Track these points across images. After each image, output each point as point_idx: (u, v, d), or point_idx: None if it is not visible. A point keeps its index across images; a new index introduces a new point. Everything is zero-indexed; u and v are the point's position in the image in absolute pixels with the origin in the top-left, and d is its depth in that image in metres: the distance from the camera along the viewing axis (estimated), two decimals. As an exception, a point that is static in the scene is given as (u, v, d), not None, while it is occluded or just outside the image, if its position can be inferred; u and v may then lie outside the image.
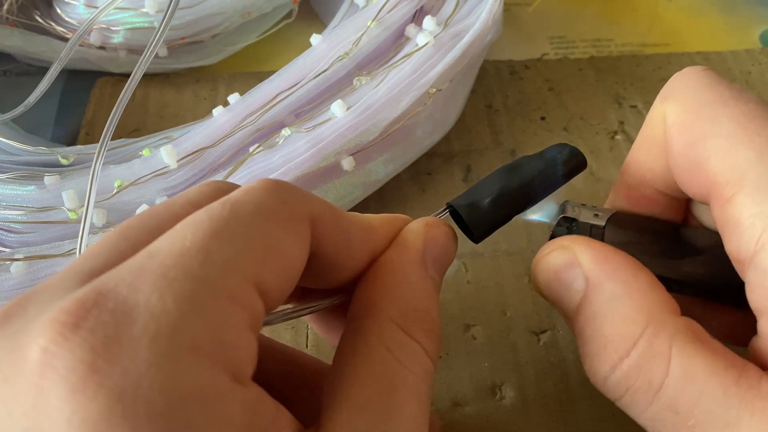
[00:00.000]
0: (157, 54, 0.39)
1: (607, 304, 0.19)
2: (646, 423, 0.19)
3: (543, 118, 0.38)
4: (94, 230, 0.28)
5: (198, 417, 0.13)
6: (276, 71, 0.34)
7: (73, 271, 0.15)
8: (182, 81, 0.40)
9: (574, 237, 0.21)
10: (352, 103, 0.31)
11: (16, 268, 0.28)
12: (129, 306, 0.14)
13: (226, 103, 0.33)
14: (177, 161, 0.30)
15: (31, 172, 0.32)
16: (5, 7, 0.39)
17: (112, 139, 0.34)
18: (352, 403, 0.17)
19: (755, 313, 0.18)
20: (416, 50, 0.32)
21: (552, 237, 0.23)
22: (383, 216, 0.21)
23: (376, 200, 0.34)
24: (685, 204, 0.24)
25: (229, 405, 0.14)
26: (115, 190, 0.30)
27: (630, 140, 0.37)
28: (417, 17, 0.35)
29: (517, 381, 0.28)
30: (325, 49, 0.33)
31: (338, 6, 0.39)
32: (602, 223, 0.23)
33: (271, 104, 0.32)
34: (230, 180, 0.29)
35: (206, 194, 0.18)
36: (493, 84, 0.40)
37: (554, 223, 0.23)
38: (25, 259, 0.28)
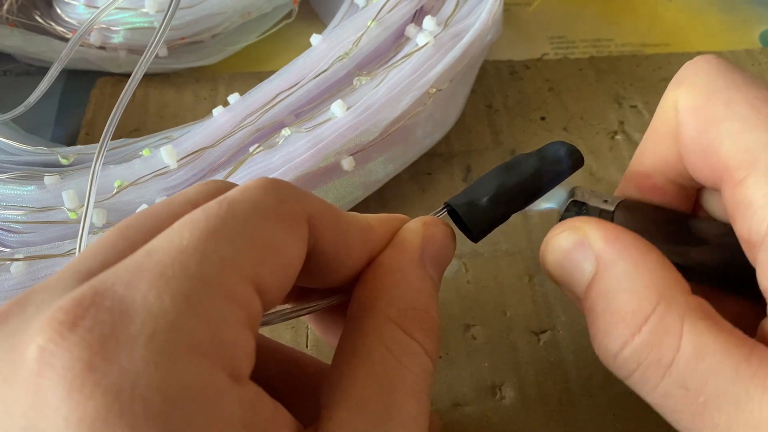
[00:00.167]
0: (157, 54, 0.39)
1: (618, 281, 0.19)
2: (656, 401, 0.18)
3: (543, 118, 0.38)
4: (94, 230, 0.28)
5: (195, 415, 0.13)
6: (276, 71, 0.34)
7: (71, 271, 0.16)
8: (182, 81, 0.40)
9: (584, 217, 0.21)
10: (352, 103, 0.31)
11: (16, 268, 0.28)
12: (126, 304, 0.14)
13: (226, 103, 0.33)
14: (177, 161, 0.30)
15: (31, 172, 0.32)
16: (5, 7, 0.39)
17: (112, 139, 0.34)
18: (351, 402, 0.17)
19: (765, 294, 0.18)
20: (416, 50, 0.32)
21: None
22: (381, 216, 0.21)
23: (376, 200, 0.34)
24: (694, 195, 0.24)
25: (226, 403, 0.14)
26: (115, 190, 0.30)
27: (630, 140, 0.37)
28: (417, 17, 0.35)
29: (517, 381, 0.28)
30: (325, 49, 0.33)
31: (338, 6, 0.39)
32: (611, 208, 0.23)
33: (271, 104, 0.32)
34: (230, 180, 0.29)
35: (204, 193, 0.18)
36: (493, 84, 0.40)
37: (563, 208, 0.23)
38: (25, 259, 0.28)
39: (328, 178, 0.31)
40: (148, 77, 0.40)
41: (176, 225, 0.16)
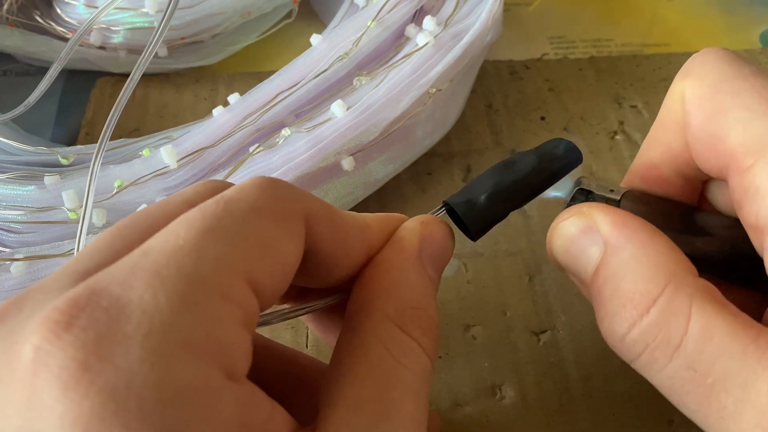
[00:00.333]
0: (157, 54, 0.39)
1: (626, 264, 0.19)
2: (662, 383, 0.18)
3: (543, 118, 0.38)
4: (93, 230, 0.28)
5: (191, 414, 0.13)
6: (276, 71, 0.34)
7: (68, 271, 0.16)
8: (182, 81, 0.40)
9: (591, 203, 0.21)
10: (352, 103, 0.31)
11: (16, 268, 0.28)
12: (122, 304, 0.14)
13: (226, 103, 0.33)
14: (177, 161, 0.30)
15: (31, 172, 0.32)
16: (5, 7, 0.39)
17: (113, 139, 0.34)
18: (349, 401, 0.17)
19: None
20: (416, 50, 0.32)
21: None
22: (379, 215, 0.21)
23: (376, 200, 0.34)
24: (699, 188, 0.24)
25: (222, 402, 0.14)
26: (115, 190, 0.30)
27: (630, 140, 0.37)
28: (417, 17, 0.35)
29: (517, 381, 0.28)
30: (325, 49, 0.33)
31: (338, 6, 0.39)
32: (617, 197, 0.23)
33: (271, 104, 0.32)
34: (230, 180, 0.29)
35: (201, 193, 0.18)
36: (493, 84, 0.40)
37: (569, 197, 0.23)
38: (25, 259, 0.28)
39: (328, 178, 0.31)
40: (148, 77, 0.40)
41: (172, 224, 0.16)
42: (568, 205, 0.23)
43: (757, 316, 0.19)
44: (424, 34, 0.33)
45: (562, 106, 0.38)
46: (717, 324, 0.17)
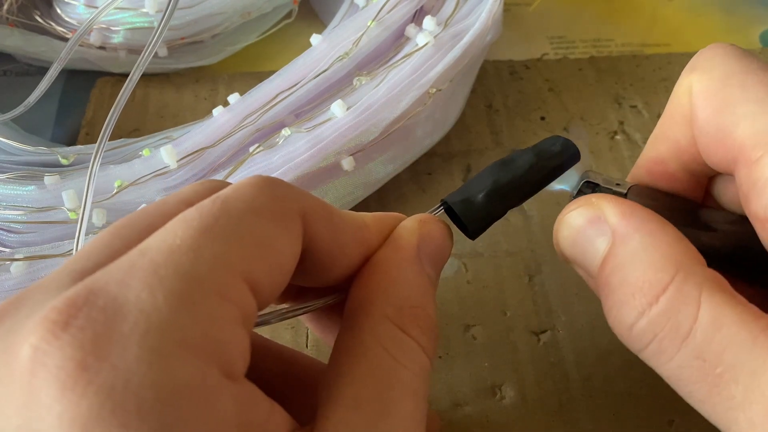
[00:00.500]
0: (157, 54, 0.39)
1: (634, 254, 0.19)
2: (671, 373, 0.18)
3: (543, 118, 0.38)
4: (93, 230, 0.28)
5: (189, 413, 0.13)
6: (276, 71, 0.34)
7: (67, 271, 0.16)
8: (182, 81, 0.40)
9: (599, 194, 0.21)
10: (352, 103, 0.31)
11: (16, 268, 0.28)
12: (119, 303, 0.14)
13: (226, 103, 0.33)
14: (177, 161, 0.30)
15: (31, 172, 0.32)
16: (5, 7, 0.39)
17: (112, 139, 0.34)
18: (347, 401, 0.17)
19: None
20: (416, 50, 0.32)
21: None
22: (377, 214, 0.21)
23: (376, 200, 0.34)
24: (705, 184, 0.24)
25: (220, 401, 0.14)
26: (115, 190, 0.30)
27: (630, 140, 0.37)
28: (417, 17, 0.35)
29: (517, 381, 0.28)
30: (325, 49, 0.33)
31: (338, 6, 0.39)
32: (624, 191, 0.23)
33: (271, 104, 0.32)
34: (230, 180, 0.29)
35: (199, 193, 0.18)
36: (493, 84, 0.40)
37: (575, 191, 0.23)
38: (25, 259, 0.28)
39: (328, 178, 0.31)
40: (148, 77, 0.40)
41: (170, 224, 0.16)
42: (574, 198, 0.23)
43: (764, 310, 0.19)
44: (424, 34, 0.33)
45: (562, 106, 0.38)
46: (726, 313, 0.17)
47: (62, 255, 0.28)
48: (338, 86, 0.33)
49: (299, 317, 0.21)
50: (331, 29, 0.38)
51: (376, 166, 0.32)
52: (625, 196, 0.23)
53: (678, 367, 0.18)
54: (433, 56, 0.32)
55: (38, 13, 0.40)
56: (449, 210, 0.22)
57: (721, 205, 0.24)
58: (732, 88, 0.20)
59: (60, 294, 0.14)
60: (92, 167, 0.25)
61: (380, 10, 0.34)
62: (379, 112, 0.31)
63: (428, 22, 0.33)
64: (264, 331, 0.28)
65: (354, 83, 0.33)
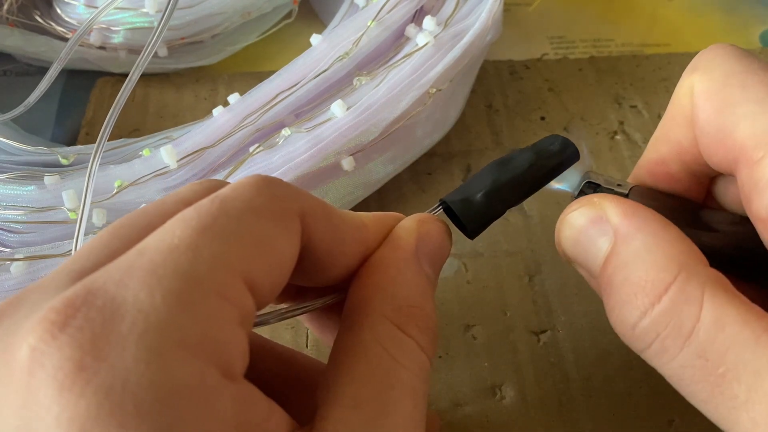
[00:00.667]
0: (157, 54, 0.39)
1: (637, 253, 0.19)
2: (673, 373, 0.18)
3: (543, 118, 0.38)
4: (93, 230, 0.28)
5: (187, 412, 0.13)
6: (276, 71, 0.34)
7: (65, 271, 0.16)
8: (182, 81, 0.40)
9: (601, 194, 0.21)
10: (352, 103, 0.31)
11: (16, 268, 0.28)
12: (117, 303, 0.14)
13: (226, 103, 0.33)
14: (177, 161, 0.30)
15: (31, 172, 0.32)
16: (5, 7, 0.39)
17: (113, 139, 0.34)
18: (346, 401, 0.17)
19: None
20: (416, 50, 0.32)
21: None
22: (376, 214, 0.21)
23: (376, 200, 0.34)
24: (707, 185, 0.24)
25: (219, 401, 0.14)
26: (115, 190, 0.30)
27: (630, 140, 0.37)
28: (417, 17, 0.35)
29: (517, 381, 0.28)
30: (325, 49, 0.33)
31: (338, 6, 0.39)
32: (625, 192, 0.23)
33: (271, 104, 0.32)
34: (230, 180, 0.29)
35: (198, 192, 0.18)
36: (493, 84, 0.40)
37: (577, 191, 0.23)
38: (25, 259, 0.28)
39: (328, 178, 0.31)
40: (148, 77, 0.40)
41: (168, 224, 0.16)
42: (576, 199, 0.23)
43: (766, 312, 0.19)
44: (424, 34, 0.33)
45: (562, 106, 0.38)
46: (729, 313, 0.17)
47: (62, 255, 0.28)
48: (338, 86, 0.33)
49: (299, 317, 0.21)
50: (331, 29, 0.38)
51: (376, 166, 0.32)
52: (626, 196, 0.23)
53: (680, 367, 0.18)
54: (433, 56, 0.32)
55: (38, 13, 0.40)
56: (448, 209, 0.22)
57: (723, 206, 0.24)
58: (732, 89, 0.20)
59: (58, 294, 0.14)
60: (91, 167, 0.25)
61: (380, 10, 0.34)
62: (379, 112, 0.31)
63: (428, 22, 0.33)
64: (264, 331, 0.28)
65: (354, 83, 0.33)
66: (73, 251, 0.25)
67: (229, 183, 0.18)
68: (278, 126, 0.32)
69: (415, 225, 0.21)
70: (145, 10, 0.37)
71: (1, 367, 0.14)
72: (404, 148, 0.33)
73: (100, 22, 0.38)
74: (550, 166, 0.22)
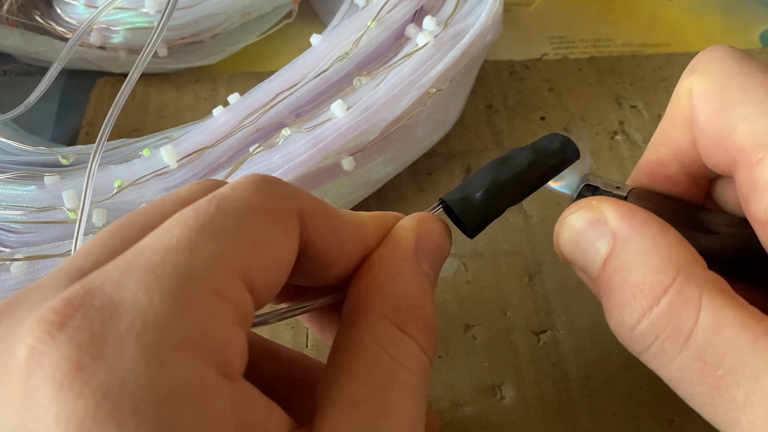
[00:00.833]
0: (156, 54, 0.39)
1: (635, 256, 0.19)
2: (672, 375, 0.18)
3: (543, 118, 0.38)
4: (93, 230, 0.28)
5: (185, 412, 0.13)
6: (276, 71, 0.34)
7: (64, 271, 0.16)
8: (182, 81, 0.40)
9: (599, 197, 0.21)
10: (352, 103, 0.31)
11: (16, 268, 0.28)
12: (116, 303, 0.14)
13: (226, 103, 0.33)
14: (177, 161, 0.30)
15: (31, 172, 0.32)
16: (5, 7, 0.39)
17: (113, 139, 0.34)
18: (345, 401, 0.17)
19: None
20: (416, 50, 0.32)
21: None
22: (375, 213, 0.21)
23: (376, 200, 0.34)
24: (706, 187, 0.24)
25: (217, 401, 0.14)
26: (115, 190, 0.30)
27: (630, 140, 0.37)
28: (417, 17, 0.35)
29: (517, 381, 0.28)
30: (325, 49, 0.33)
31: (338, 6, 0.39)
32: (624, 194, 0.23)
33: (271, 104, 0.32)
34: (230, 180, 0.29)
35: (196, 192, 0.18)
36: (493, 84, 0.40)
37: (575, 193, 0.23)
38: (25, 259, 0.28)
39: (328, 178, 0.31)
40: (148, 77, 0.40)
41: (166, 223, 0.16)
42: (574, 201, 0.23)
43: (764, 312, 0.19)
44: (424, 34, 0.33)
45: (562, 106, 0.38)
46: (728, 315, 0.17)
47: (62, 255, 0.28)
48: (338, 86, 0.33)
49: (298, 317, 0.21)
50: (331, 29, 0.38)
51: (376, 166, 0.32)
52: (625, 199, 0.23)
53: (679, 369, 0.18)
54: (433, 56, 0.32)
55: (38, 13, 0.40)
56: (448, 209, 0.22)
57: (722, 208, 0.24)
58: (731, 90, 0.20)
59: (57, 294, 0.14)
60: (91, 167, 0.25)
61: (380, 10, 0.34)
62: (379, 112, 0.31)
63: (428, 22, 0.33)
64: (263, 331, 0.28)
65: (354, 83, 0.33)
66: (72, 251, 0.25)
67: (228, 183, 0.18)
68: (278, 126, 0.32)
69: (415, 224, 0.21)
70: (145, 10, 0.37)
71: (0, 367, 0.14)
72: (404, 148, 0.33)
73: (100, 22, 0.38)
74: (550, 165, 0.22)
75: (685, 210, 0.23)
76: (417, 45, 0.33)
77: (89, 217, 0.28)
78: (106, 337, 0.13)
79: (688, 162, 0.22)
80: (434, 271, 0.21)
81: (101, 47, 0.39)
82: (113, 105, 0.26)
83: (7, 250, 0.29)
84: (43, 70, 0.33)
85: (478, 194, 0.22)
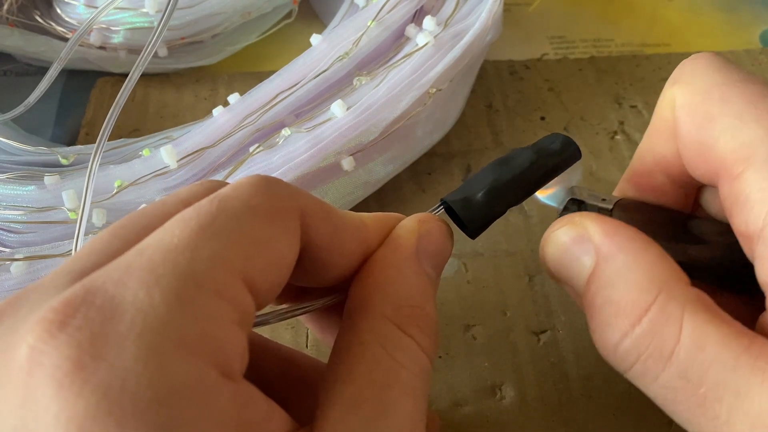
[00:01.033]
0: (157, 54, 0.39)
1: (618, 273, 0.19)
2: (656, 393, 0.18)
3: (543, 118, 0.38)
4: (93, 230, 0.28)
5: (186, 412, 0.13)
6: (276, 71, 0.34)
7: (65, 271, 0.16)
8: (182, 81, 0.40)
9: (583, 213, 0.21)
10: (352, 103, 0.31)
11: (16, 268, 0.28)
12: (116, 303, 0.14)
13: (226, 103, 0.33)
14: (177, 161, 0.30)
15: (31, 172, 0.32)
16: (5, 7, 0.39)
17: (113, 139, 0.34)
18: (345, 401, 0.17)
19: (763, 288, 0.18)
20: (416, 50, 0.32)
21: None
22: (376, 214, 0.21)
23: (376, 200, 0.34)
24: (693, 195, 0.24)
25: (218, 401, 0.14)
26: (115, 190, 0.30)
27: (630, 140, 0.37)
28: (417, 17, 0.35)
29: (517, 381, 0.28)
30: (325, 49, 0.33)
31: (338, 6, 0.39)
32: (609, 207, 0.23)
33: (271, 104, 0.32)
34: (230, 180, 0.29)
35: (197, 192, 0.18)
36: (493, 84, 0.40)
37: (562, 206, 0.23)
38: (25, 259, 0.28)
39: (328, 178, 0.31)
40: (148, 77, 0.40)
41: (167, 224, 0.16)
42: (560, 215, 0.23)
43: (751, 323, 0.19)
44: (424, 34, 0.33)
45: (562, 106, 0.38)
46: (709, 333, 0.17)
47: (62, 255, 0.28)
48: (338, 86, 0.33)
49: (299, 317, 0.21)
50: (331, 29, 0.38)
51: (376, 166, 0.32)
52: (611, 211, 0.23)
53: (663, 388, 0.18)
54: (433, 56, 0.32)
55: (38, 13, 0.40)
56: (449, 209, 0.22)
57: (711, 215, 0.23)
58: (713, 102, 0.20)
59: (58, 294, 0.14)
60: (91, 167, 0.25)
61: (380, 10, 0.34)
62: (379, 112, 0.31)
63: (428, 22, 0.33)
64: (264, 331, 0.28)
65: (354, 83, 0.33)
66: (73, 251, 0.25)
67: (228, 183, 0.18)
68: (278, 126, 0.32)
69: (416, 225, 0.21)
70: (145, 10, 0.37)
71: (0, 366, 0.14)
72: (404, 148, 0.33)
73: (100, 22, 0.38)
74: (550, 165, 0.22)
75: (674, 219, 0.23)
76: (417, 45, 0.33)
77: (89, 217, 0.28)
78: (107, 337, 0.13)
79: (674, 172, 0.22)
80: (435, 271, 0.21)
81: (101, 47, 0.39)
82: (113, 105, 0.26)
83: (7, 250, 0.29)
84: (43, 70, 0.33)
85: (480, 195, 0.22)
